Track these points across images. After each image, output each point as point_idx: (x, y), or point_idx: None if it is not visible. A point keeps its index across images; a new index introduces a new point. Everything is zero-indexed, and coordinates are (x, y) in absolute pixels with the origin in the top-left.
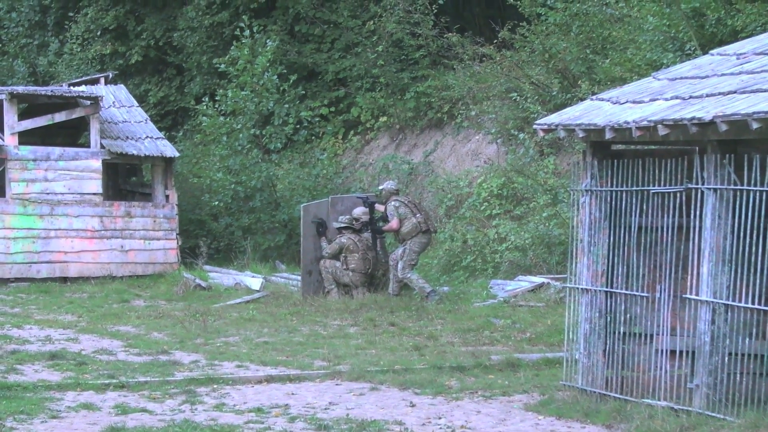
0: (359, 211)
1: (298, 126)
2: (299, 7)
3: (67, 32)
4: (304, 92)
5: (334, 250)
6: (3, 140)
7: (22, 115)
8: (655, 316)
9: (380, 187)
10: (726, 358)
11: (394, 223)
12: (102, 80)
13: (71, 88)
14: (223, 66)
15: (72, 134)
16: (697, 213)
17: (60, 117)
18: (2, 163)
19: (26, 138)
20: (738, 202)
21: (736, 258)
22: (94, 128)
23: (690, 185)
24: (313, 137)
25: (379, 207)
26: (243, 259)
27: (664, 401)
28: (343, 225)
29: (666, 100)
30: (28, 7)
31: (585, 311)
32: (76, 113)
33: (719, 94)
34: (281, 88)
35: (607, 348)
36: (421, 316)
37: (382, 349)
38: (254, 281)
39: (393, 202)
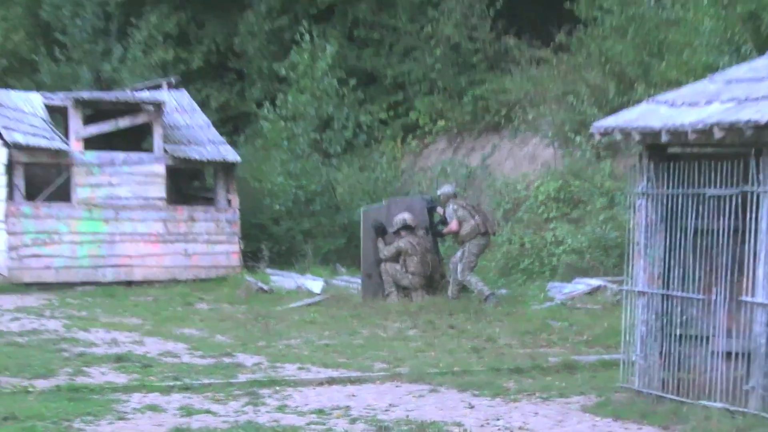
0: (400, 218)
1: (358, 130)
2: (358, 12)
3: (130, 38)
4: (363, 96)
5: (392, 253)
6: (68, 145)
7: (87, 121)
8: (711, 319)
9: (438, 192)
10: None
11: (453, 225)
12: (164, 86)
13: (135, 93)
14: (283, 71)
15: (135, 139)
16: (754, 216)
17: (124, 122)
18: (68, 169)
19: (91, 143)
20: None
21: None
22: (158, 133)
23: (746, 188)
24: (372, 141)
25: (439, 210)
26: (304, 262)
27: (719, 403)
28: (400, 226)
29: (722, 102)
30: (91, 14)
31: (641, 314)
32: (140, 118)
33: None
34: (341, 93)
35: (664, 350)
36: (479, 318)
37: (441, 352)
38: (315, 284)
39: (452, 205)
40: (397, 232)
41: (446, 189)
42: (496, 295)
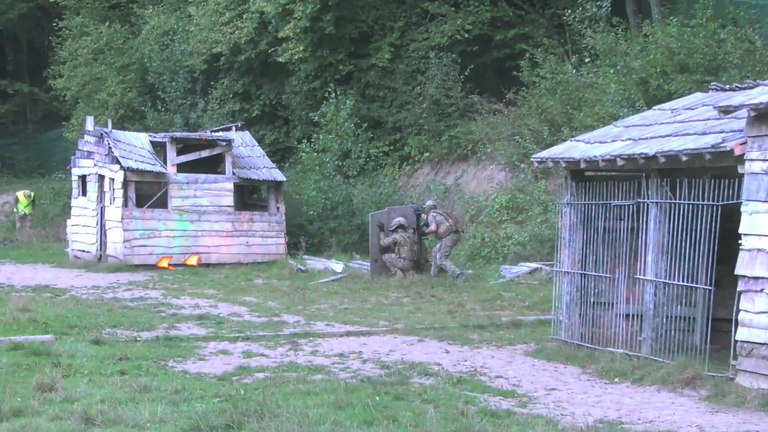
0: (396, 221)
1: (368, 159)
2: (369, 77)
3: (209, 95)
4: (372, 136)
5: (388, 242)
6: (166, 169)
7: (179, 152)
8: (615, 291)
9: (424, 204)
10: (664, 320)
11: (433, 227)
12: (233, 128)
13: (212, 133)
14: (316, 118)
15: (213, 165)
16: (644, 219)
17: (205, 153)
18: (165, 185)
19: (181, 167)
20: (672, 211)
21: (670, 250)
22: (228, 161)
23: (639, 200)
24: (378, 167)
25: (423, 215)
26: (330, 251)
27: (621, 349)
28: (396, 226)
29: (623, 141)
30: (183, 79)
31: (566, 287)
32: (216, 151)
33: (659, 136)
34: (356, 133)
35: (582, 312)
36: (453, 290)
37: (426, 313)
38: (337, 266)
39: (432, 213)
40: (394, 230)
41: (429, 202)
42: (464, 274)
